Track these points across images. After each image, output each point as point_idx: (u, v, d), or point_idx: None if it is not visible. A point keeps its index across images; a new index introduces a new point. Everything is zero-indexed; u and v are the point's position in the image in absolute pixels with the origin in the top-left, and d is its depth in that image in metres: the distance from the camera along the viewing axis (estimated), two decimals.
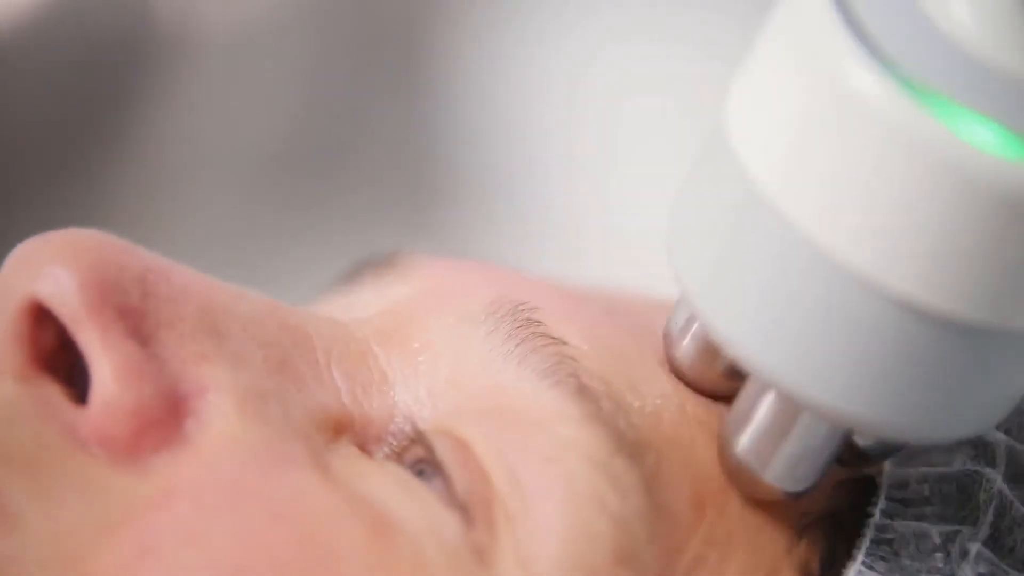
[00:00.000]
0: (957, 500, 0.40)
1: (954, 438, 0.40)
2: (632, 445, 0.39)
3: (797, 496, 0.40)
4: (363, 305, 0.44)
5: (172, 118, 0.99)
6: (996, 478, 0.41)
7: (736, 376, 0.41)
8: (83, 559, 0.36)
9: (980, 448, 0.41)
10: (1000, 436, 0.42)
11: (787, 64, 0.37)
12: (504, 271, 0.45)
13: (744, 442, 0.40)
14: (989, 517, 0.40)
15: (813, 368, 0.37)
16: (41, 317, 0.38)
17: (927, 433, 0.38)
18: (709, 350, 0.41)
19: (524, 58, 1.03)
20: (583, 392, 0.39)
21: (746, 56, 0.39)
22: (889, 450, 0.41)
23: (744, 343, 0.38)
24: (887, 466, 0.41)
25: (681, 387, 0.41)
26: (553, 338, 0.40)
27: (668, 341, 0.42)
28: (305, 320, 0.41)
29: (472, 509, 0.38)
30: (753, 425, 0.40)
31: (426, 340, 0.42)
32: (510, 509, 0.38)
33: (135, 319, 0.38)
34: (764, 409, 0.40)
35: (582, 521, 0.38)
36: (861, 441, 0.41)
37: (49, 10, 0.95)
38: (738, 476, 0.40)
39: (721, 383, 0.41)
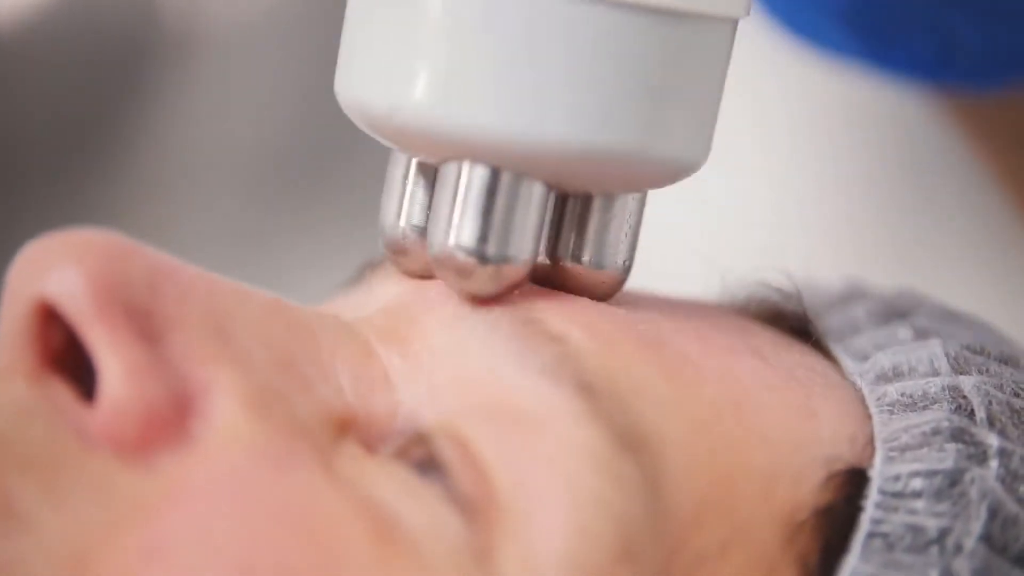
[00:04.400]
0: (950, 496, 0.40)
1: (663, 161, 0.40)
2: (634, 443, 0.39)
3: (520, 272, 0.41)
4: (365, 305, 0.44)
5: (176, 116, 0.99)
6: (989, 476, 0.41)
7: None
8: (92, 559, 0.36)
9: (972, 447, 0.42)
10: (993, 436, 0.42)
11: None
12: None
13: (455, 235, 0.41)
14: (983, 515, 0.40)
15: (511, 108, 0.38)
16: (49, 317, 0.38)
17: (637, 151, 0.39)
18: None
19: None
20: (585, 390, 0.39)
21: None
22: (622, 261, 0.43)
23: (438, 113, 0.39)
24: (878, 461, 0.42)
25: (678, 385, 0.41)
26: (553, 336, 0.41)
27: (392, 243, 0.43)
28: (310, 319, 0.42)
29: (474, 509, 0.38)
30: (458, 211, 0.41)
31: (426, 339, 0.42)
32: (512, 508, 0.38)
33: (143, 319, 0.38)
34: (463, 189, 0.41)
35: (584, 520, 0.38)
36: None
37: (54, 8, 0.95)
38: (456, 270, 0.41)
39: None
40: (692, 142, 0.41)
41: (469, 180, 0.41)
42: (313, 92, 1.01)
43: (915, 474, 0.41)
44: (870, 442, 0.42)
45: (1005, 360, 0.45)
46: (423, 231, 0.43)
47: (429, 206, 0.43)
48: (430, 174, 0.43)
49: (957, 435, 0.42)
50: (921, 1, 0.61)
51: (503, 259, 0.41)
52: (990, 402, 0.43)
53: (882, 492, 0.41)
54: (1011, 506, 0.41)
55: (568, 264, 0.44)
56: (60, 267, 0.38)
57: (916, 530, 0.40)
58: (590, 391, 0.40)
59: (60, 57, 0.96)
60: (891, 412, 0.43)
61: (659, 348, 0.42)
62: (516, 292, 0.43)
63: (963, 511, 0.40)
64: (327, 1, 1.01)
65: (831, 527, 0.41)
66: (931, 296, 0.50)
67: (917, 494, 0.41)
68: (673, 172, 0.42)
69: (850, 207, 0.84)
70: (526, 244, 0.41)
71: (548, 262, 0.45)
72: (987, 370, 0.44)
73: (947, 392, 0.43)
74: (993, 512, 0.40)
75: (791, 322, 0.47)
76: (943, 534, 0.40)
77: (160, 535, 0.36)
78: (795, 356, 0.45)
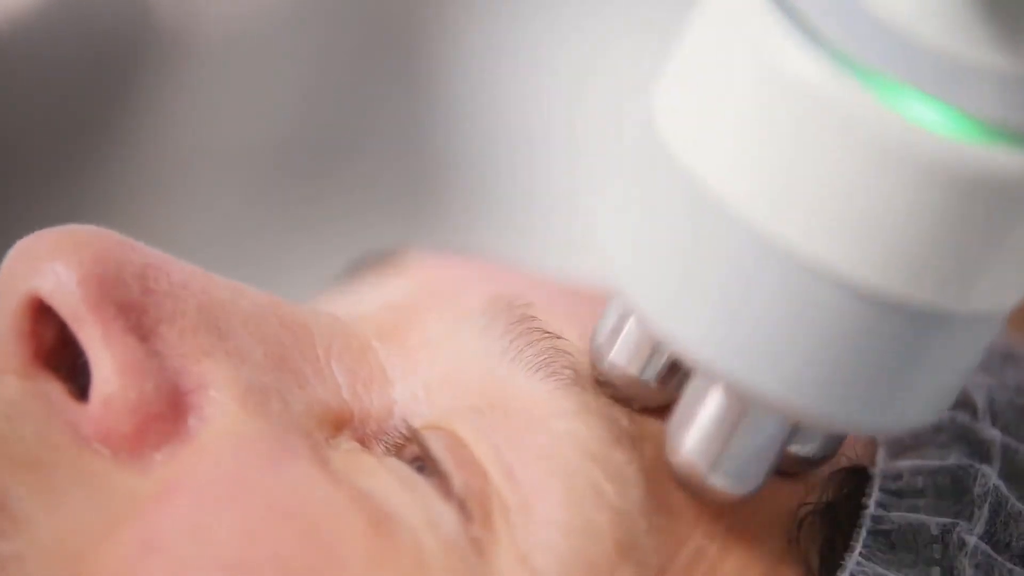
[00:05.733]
0: (952, 493, 0.40)
1: (898, 428, 0.39)
2: (630, 436, 0.39)
3: (743, 497, 0.39)
4: (363, 302, 0.44)
5: (172, 115, 0.99)
6: (991, 474, 0.41)
7: (667, 383, 0.40)
8: (88, 557, 0.36)
9: (975, 444, 0.41)
10: (995, 433, 0.42)
11: (722, 56, 0.36)
12: (501, 268, 0.45)
13: (690, 443, 0.39)
14: (985, 512, 0.40)
15: (763, 360, 0.37)
16: (41, 313, 0.38)
17: (873, 422, 0.38)
18: (640, 356, 0.41)
19: (526, 54, 1.03)
20: (578, 385, 0.39)
21: (674, 51, 0.38)
22: (828, 452, 0.41)
23: (694, 340, 0.37)
24: (880, 458, 0.41)
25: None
26: (547, 332, 0.40)
27: (596, 352, 0.41)
28: (305, 316, 0.41)
29: (469, 505, 0.38)
30: (699, 424, 0.39)
31: (424, 337, 0.42)
32: (508, 504, 0.38)
33: (136, 315, 0.38)
34: (710, 408, 0.39)
35: (582, 514, 0.38)
36: (801, 450, 0.41)
37: (50, 8, 0.95)
38: (686, 478, 0.39)
39: (652, 393, 0.41)
40: (923, 415, 0.39)
41: (723, 413, 0.39)
42: (312, 91, 1.01)
43: (917, 471, 0.41)
44: (871, 440, 0.42)
45: (1008, 358, 0.45)
46: (626, 368, 0.41)
47: (640, 351, 0.41)
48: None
49: (960, 432, 0.42)
50: None
51: (720, 484, 0.39)
52: (993, 400, 0.43)
53: (884, 489, 0.41)
54: (1014, 504, 0.41)
55: None
56: (52, 263, 0.38)
57: (918, 527, 0.40)
58: (584, 385, 0.39)
59: (57, 57, 0.96)
60: None
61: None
62: (518, 284, 0.43)
63: (965, 508, 0.40)
64: (326, 1, 1.02)
65: (832, 524, 0.40)
66: None
67: (919, 491, 0.41)
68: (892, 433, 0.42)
69: None
70: (756, 479, 0.40)
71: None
72: (990, 368, 0.44)
73: None
74: (995, 510, 0.40)
75: None
76: (945, 531, 0.40)
77: (157, 530, 0.36)
78: None
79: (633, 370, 0.41)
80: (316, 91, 1.00)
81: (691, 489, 0.39)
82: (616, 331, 0.41)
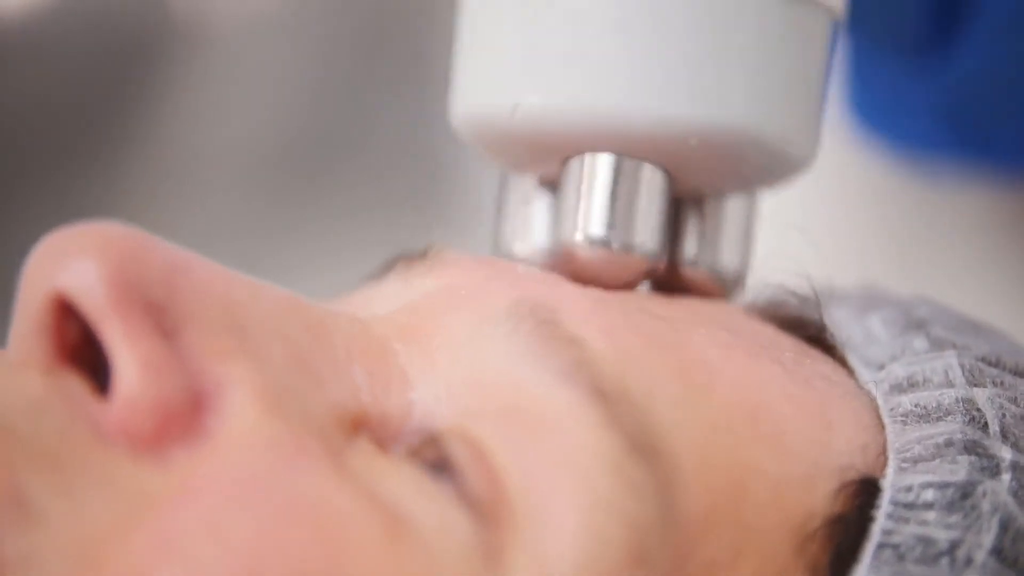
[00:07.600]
0: (961, 508, 0.40)
1: (779, 147, 0.41)
2: (648, 449, 0.39)
3: (649, 257, 0.42)
4: (387, 298, 0.44)
5: (182, 111, 0.99)
6: (1001, 490, 0.41)
7: None
8: (104, 554, 0.36)
9: (985, 459, 0.42)
10: (1006, 449, 0.42)
11: None
12: (526, 271, 0.45)
13: (587, 225, 0.42)
14: (994, 528, 0.40)
15: (641, 90, 0.40)
16: (65, 310, 0.38)
17: (743, 124, 0.40)
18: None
19: None
20: (601, 396, 0.39)
21: None
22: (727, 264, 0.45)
23: (547, 102, 0.40)
24: (891, 471, 0.42)
25: (694, 391, 0.42)
26: (572, 340, 0.41)
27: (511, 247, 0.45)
28: (326, 316, 0.42)
29: (485, 510, 0.38)
30: (585, 201, 0.42)
31: (446, 338, 0.42)
32: (524, 511, 0.38)
33: (158, 314, 0.38)
34: (590, 175, 0.42)
35: (597, 524, 0.38)
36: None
37: (63, 2, 0.95)
38: (590, 257, 0.42)
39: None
40: (801, 133, 0.42)
41: (593, 169, 0.42)
42: (321, 87, 1.01)
43: (927, 485, 0.41)
44: (883, 452, 0.42)
45: (1020, 373, 0.45)
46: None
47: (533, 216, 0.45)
48: (546, 196, 0.45)
49: (970, 447, 0.42)
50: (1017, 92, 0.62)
51: (629, 248, 0.42)
52: (1004, 415, 0.43)
53: (894, 503, 0.41)
54: (1023, 519, 0.41)
55: (685, 268, 0.46)
56: (77, 260, 0.38)
57: (927, 541, 0.40)
58: (605, 396, 0.40)
59: (68, 51, 0.96)
60: (904, 423, 0.43)
61: (677, 352, 0.42)
62: (543, 288, 0.43)
63: (974, 523, 0.40)
64: None
65: (842, 536, 0.41)
66: (948, 304, 0.50)
67: (929, 505, 0.41)
68: (784, 165, 0.43)
69: (857, 211, 0.84)
70: (651, 233, 0.42)
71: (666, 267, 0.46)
72: (1002, 383, 0.44)
73: (961, 404, 0.43)
74: (1004, 525, 0.40)
75: (809, 329, 0.47)
76: (954, 546, 0.40)
77: (172, 529, 0.36)
78: (813, 364, 0.45)
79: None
80: (323, 88, 1.00)
81: (592, 273, 0.43)
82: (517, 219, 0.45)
